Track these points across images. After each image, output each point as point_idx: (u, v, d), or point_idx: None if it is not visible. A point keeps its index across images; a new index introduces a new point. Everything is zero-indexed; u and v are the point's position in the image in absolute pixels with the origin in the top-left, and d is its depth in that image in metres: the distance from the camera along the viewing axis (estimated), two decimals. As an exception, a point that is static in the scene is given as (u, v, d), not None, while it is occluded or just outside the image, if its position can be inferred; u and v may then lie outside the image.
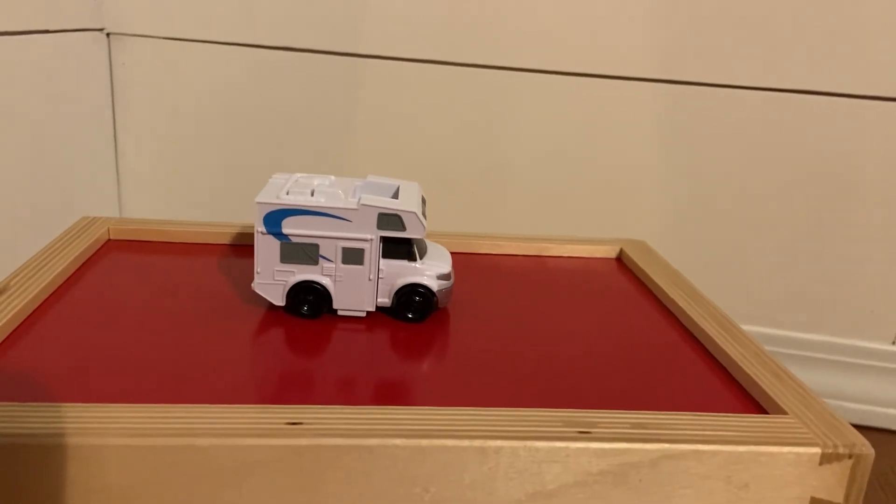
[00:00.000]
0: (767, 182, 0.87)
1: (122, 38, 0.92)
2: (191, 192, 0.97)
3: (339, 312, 0.50)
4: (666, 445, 0.36)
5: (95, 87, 0.92)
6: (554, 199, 0.91)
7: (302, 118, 0.92)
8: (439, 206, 0.91)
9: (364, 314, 0.50)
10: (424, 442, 0.35)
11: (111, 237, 0.60)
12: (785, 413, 0.39)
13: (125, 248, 0.58)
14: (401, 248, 0.49)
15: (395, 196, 0.50)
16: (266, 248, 0.48)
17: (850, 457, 0.37)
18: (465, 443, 0.35)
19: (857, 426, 0.92)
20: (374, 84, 0.90)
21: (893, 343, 0.90)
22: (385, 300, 0.50)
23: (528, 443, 0.36)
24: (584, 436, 0.36)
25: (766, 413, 0.40)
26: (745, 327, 0.91)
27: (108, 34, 0.92)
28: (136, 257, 0.57)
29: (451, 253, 0.62)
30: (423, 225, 0.48)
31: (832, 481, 0.37)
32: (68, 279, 0.52)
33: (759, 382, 0.42)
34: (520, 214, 0.92)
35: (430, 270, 0.50)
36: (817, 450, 0.36)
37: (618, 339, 0.49)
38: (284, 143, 0.93)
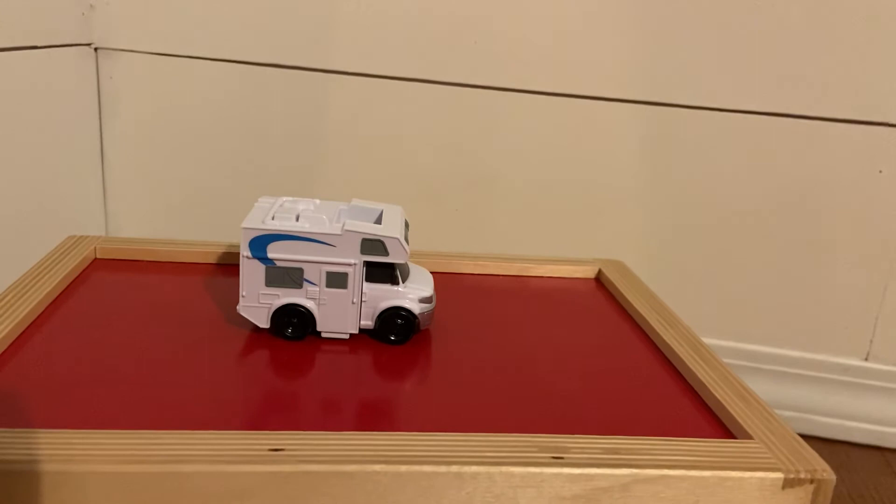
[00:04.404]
0: (743, 201, 0.89)
1: (109, 52, 0.93)
2: (177, 206, 0.97)
3: (323, 335, 0.51)
4: (636, 471, 0.37)
5: (83, 101, 0.93)
6: (536, 217, 0.93)
7: (289, 134, 0.93)
8: (423, 222, 0.92)
9: (347, 336, 0.51)
10: (403, 468, 0.36)
11: (98, 256, 0.61)
12: (751, 438, 0.41)
13: (112, 268, 0.59)
14: (384, 272, 0.50)
15: (379, 221, 0.51)
16: (251, 272, 0.49)
17: (811, 482, 0.38)
18: (443, 468, 0.36)
19: (830, 441, 0.94)
20: (361, 102, 0.91)
21: (866, 359, 0.92)
22: (368, 323, 0.51)
23: (504, 468, 0.37)
24: (558, 461, 0.37)
25: (733, 437, 0.42)
26: (720, 342, 0.93)
27: (95, 49, 0.93)
28: (122, 277, 0.58)
29: (434, 273, 0.64)
30: (405, 250, 0.49)
31: (795, 504, 0.38)
32: (55, 300, 0.52)
33: (727, 406, 0.44)
34: (502, 232, 0.94)
35: (413, 294, 0.51)
36: (780, 475, 0.38)
37: (593, 361, 0.50)
38: (271, 159, 0.94)
